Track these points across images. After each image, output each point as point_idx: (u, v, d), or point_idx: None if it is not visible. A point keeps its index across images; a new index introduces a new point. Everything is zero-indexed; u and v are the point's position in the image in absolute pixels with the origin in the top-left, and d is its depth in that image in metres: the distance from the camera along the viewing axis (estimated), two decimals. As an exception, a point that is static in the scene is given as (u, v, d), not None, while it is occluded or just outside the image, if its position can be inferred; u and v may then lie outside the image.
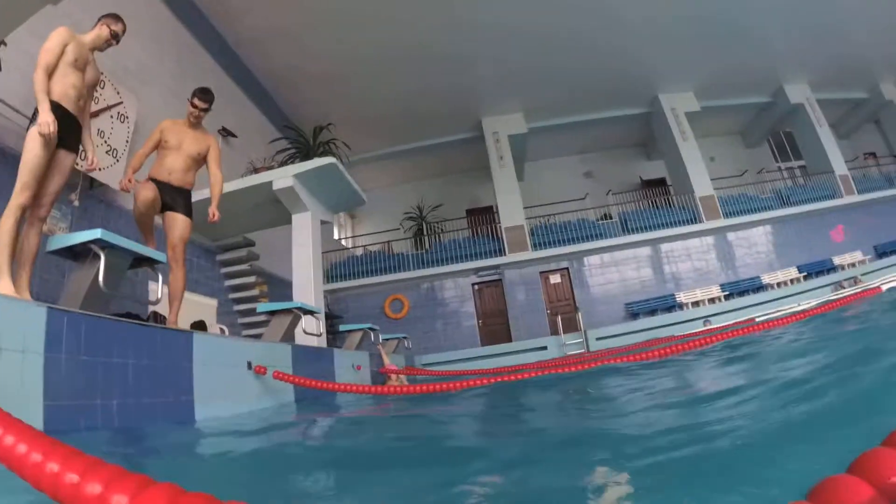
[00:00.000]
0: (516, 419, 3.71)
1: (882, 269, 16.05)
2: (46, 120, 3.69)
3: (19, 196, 3.63)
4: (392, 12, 13.38)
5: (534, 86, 17.49)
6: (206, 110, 5.34)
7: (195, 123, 5.56)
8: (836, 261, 17.46)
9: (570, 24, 14.89)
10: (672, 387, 4.02)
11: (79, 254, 3.75)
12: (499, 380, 5.62)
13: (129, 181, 5.00)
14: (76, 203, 7.59)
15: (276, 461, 2.51)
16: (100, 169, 5.57)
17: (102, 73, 7.92)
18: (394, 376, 9.60)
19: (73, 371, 3.00)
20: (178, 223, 5.29)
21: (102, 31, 4.42)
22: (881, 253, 17.92)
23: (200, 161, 5.62)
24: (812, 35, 17.17)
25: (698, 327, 13.76)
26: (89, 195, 7.99)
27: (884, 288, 8.11)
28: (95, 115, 7.81)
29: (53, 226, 7.14)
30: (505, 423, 3.34)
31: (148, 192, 5.01)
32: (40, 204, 3.85)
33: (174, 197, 5.36)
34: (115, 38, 4.53)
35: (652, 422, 2.28)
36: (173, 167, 5.32)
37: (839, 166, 19.34)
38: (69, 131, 4.06)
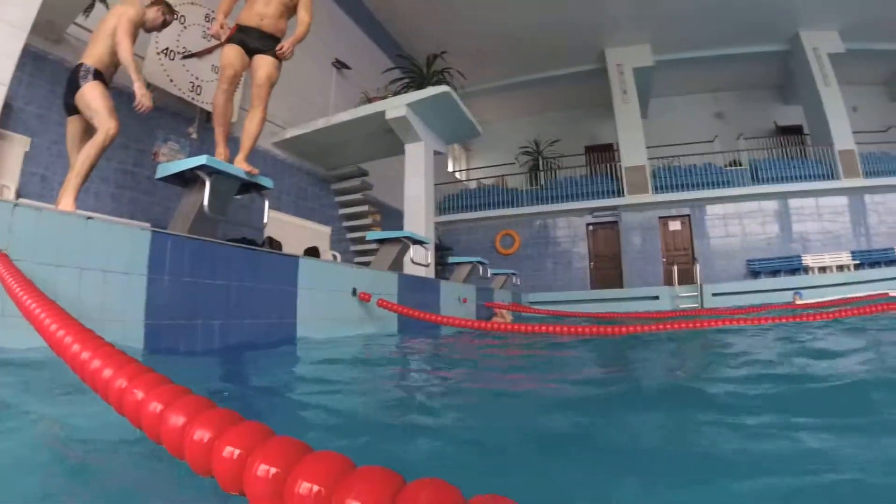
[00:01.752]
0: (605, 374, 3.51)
1: None
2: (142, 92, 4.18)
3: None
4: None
5: (664, 13, 16.16)
6: None
7: None
8: None
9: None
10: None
11: (188, 180, 3.86)
12: (605, 332, 5.38)
13: (221, 26, 4.92)
14: (194, 136, 7.91)
15: (365, 390, 2.49)
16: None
17: (212, 11, 8.16)
18: (500, 311, 9.59)
19: (175, 292, 3.11)
20: (265, 62, 5.01)
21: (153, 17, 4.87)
22: None
23: (292, 8, 5.28)
24: None
25: (787, 299, 12.74)
26: (206, 128, 8.26)
27: None
28: (209, 51, 8.00)
29: (172, 156, 7.47)
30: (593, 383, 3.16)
31: (231, 55, 4.95)
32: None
33: (264, 42, 5.07)
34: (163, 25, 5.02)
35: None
36: (265, 12, 5.06)
37: None
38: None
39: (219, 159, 3.79)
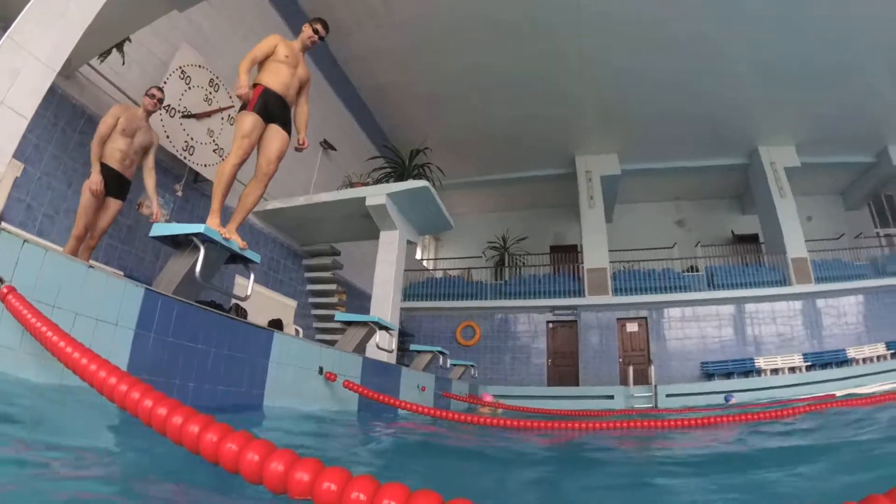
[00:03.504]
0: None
1: None
2: (94, 179, 5.18)
3: (75, 229, 5.22)
4: (497, 40, 13.64)
5: (632, 127, 17.28)
6: (322, 39, 5.35)
7: (309, 48, 5.34)
8: None
9: (675, 67, 14.68)
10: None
11: (179, 243, 4.00)
12: (559, 427, 5.53)
13: (246, 87, 4.71)
14: (179, 193, 8.11)
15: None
16: (147, 213, 6.13)
17: (217, 77, 8.55)
18: (486, 408, 9.66)
19: (158, 349, 3.21)
20: (282, 137, 4.96)
21: (146, 103, 5.67)
22: None
23: (301, 88, 5.33)
24: None
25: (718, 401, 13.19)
26: (193, 188, 8.49)
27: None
28: (207, 115, 8.37)
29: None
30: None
31: (253, 124, 4.71)
32: (91, 236, 5.36)
33: (285, 114, 5.04)
34: (155, 100, 5.72)
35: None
36: (290, 83, 5.02)
37: None
38: (115, 185, 5.43)
39: (214, 229, 3.93)
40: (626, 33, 13.58)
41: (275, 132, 4.89)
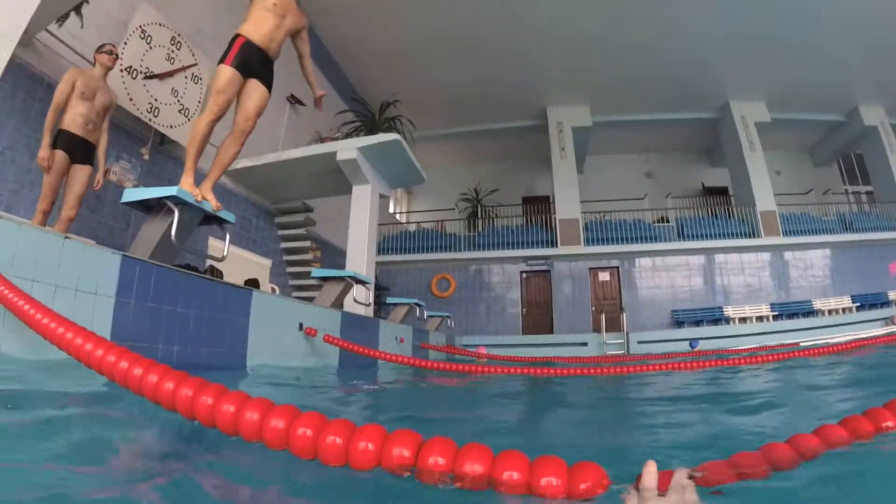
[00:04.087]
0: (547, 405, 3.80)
1: None
2: (41, 155, 5.00)
3: (40, 203, 5.10)
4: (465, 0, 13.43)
5: (602, 83, 17.21)
6: None
7: None
8: (892, 295, 16.75)
9: (643, 30, 14.65)
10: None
11: (152, 208, 3.97)
12: (534, 372, 5.72)
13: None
14: (146, 157, 7.94)
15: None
16: (102, 182, 5.93)
17: (178, 35, 8.32)
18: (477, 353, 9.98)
19: (139, 315, 3.23)
20: (262, 94, 4.72)
21: (103, 60, 5.49)
22: None
23: (294, 37, 5.17)
24: (893, 59, 16.41)
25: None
26: (159, 151, 8.33)
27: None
28: (170, 74, 8.13)
29: (123, 177, 7.50)
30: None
31: (229, 79, 4.45)
32: (68, 207, 5.24)
33: (266, 69, 4.77)
34: (112, 56, 5.57)
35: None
36: (275, 36, 4.71)
37: None
38: (81, 151, 5.29)
39: (187, 190, 3.90)
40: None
41: (254, 87, 4.64)
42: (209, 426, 1.37)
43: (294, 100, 12.38)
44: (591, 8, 13.87)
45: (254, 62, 4.59)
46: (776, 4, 14.01)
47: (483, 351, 10.84)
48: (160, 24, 8.00)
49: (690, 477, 0.98)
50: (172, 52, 8.19)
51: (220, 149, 4.70)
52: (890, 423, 1.21)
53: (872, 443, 1.19)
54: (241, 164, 9.84)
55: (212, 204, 4.18)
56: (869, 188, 21.10)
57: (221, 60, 4.48)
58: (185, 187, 3.99)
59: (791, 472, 1.12)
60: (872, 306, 16.39)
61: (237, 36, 4.56)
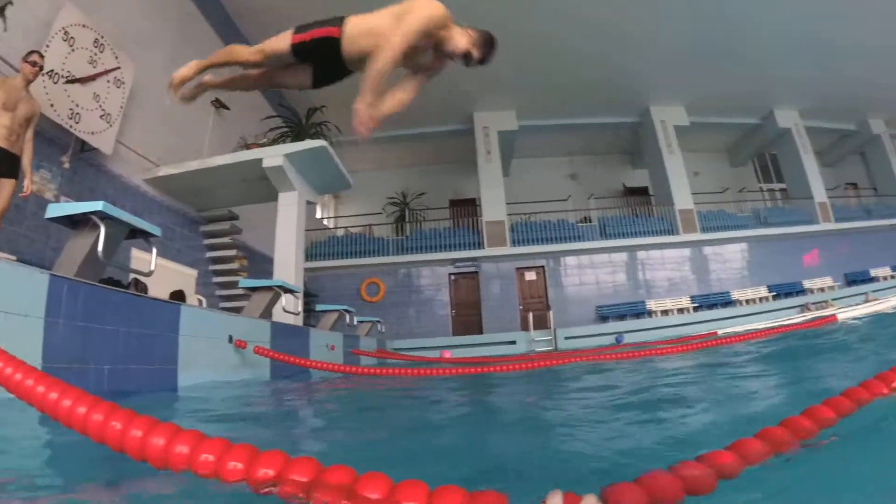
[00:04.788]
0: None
1: (850, 296, 16.62)
2: None
3: None
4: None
5: (528, 87, 17.68)
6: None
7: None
8: (806, 284, 18.03)
9: (569, 32, 15.17)
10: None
11: (77, 222, 3.89)
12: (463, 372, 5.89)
13: None
14: (66, 165, 7.66)
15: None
16: (35, 190, 5.71)
17: (102, 37, 8.07)
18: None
19: (70, 336, 3.19)
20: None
21: (26, 71, 5.28)
22: (851, 281, 18.58)
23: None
24: (807, 66, 17.62)
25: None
26: (79, 158, 8.04)
27: (839, 317, 8.34)
28: (92, 78, 7.89)
29: (44, 186, 7.22)
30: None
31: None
32: None
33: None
34: (37, 67, 5.35)
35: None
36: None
37: (819, 193, 19.93)
38: (5, 163, 5.12)
39: (114, 207, 3.85)
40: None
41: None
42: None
43: (219, 104, 12.14)
44: (515, 12, 14.20)
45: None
46: (696, 14, 14.81)
47: (448, 355, 10.97)
48: (84, 26, 7.74)
49: None
50: (95, 54, 7.94)
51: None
52: (808, 429, 1.19)
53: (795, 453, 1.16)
54: (163, 171, 9.63)
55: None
56: (783, 185, 22.60)
57: None
58: None
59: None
60: (788, 295, 17.67)
61: None
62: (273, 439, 2.37)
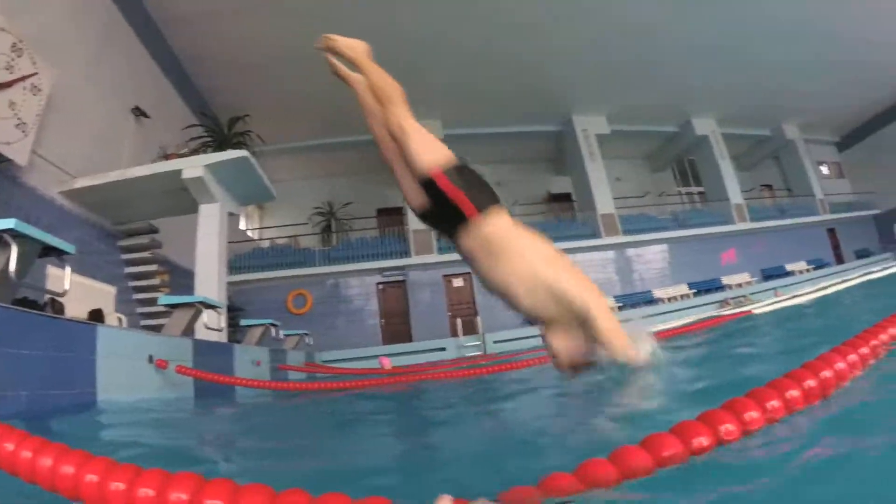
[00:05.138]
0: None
1: (766, 290, 17.67)
2: None
3: None
4: (319, 9, 13.45)
5: (453, 96, 17.96)
6: None
7: None
8: (725, 280, 19.12)
9: (494, 43, 15.57)
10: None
11: (-14, 242, 3.73)
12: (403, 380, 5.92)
13: None
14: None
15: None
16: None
17: (20, 41, 7.72)
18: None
19: (-18, 362, 3.05)
20: None
21: None
22: (767, 276, 19.79)
23: None
24: (722, 76, 18.81)
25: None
26: (-9, 173, 7.68)
27: (754, 311, 8.76)
28: (8, 85, 7.52)
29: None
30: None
31: None
32: None
33: None
34: None
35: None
36: None
37: (735, 195, 21.22)
38: None
39: (26, 224, 3.70)
40: (440, 4, 14.03)
41: None
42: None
43: (139, 112, 11.76)
44: (443, 23, 14.43)
45: None
46: (616, 26, 15.46)
47: (387, 363, 10.91)
48: (1, 29, 7.38)
49: None
50: (12, 59, 7.56)
51: None
52: (704, 442, 1.10)
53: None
54: (80, 183, 9.24)
55: None
56: (701, 189, 23.91)
57: None
58: None
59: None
60: (708, 291, 18.58)
61: None
62: (189, 463, 2.34)
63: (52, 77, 8.47)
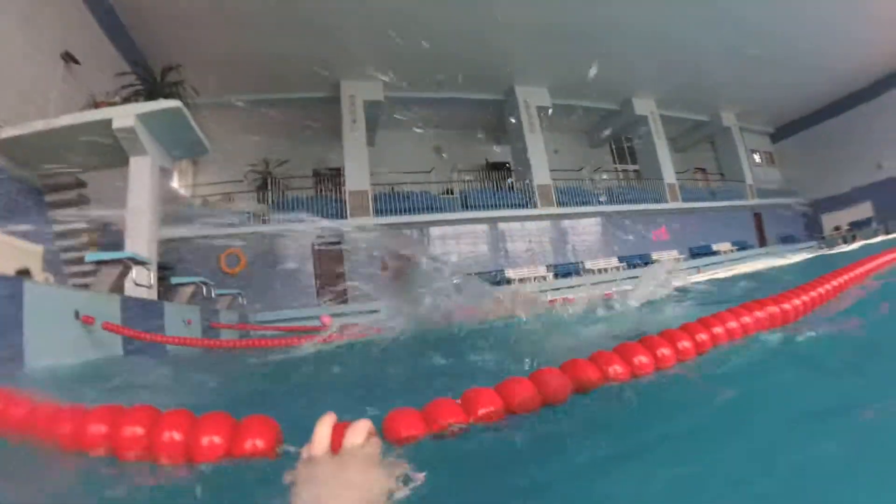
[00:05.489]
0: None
1: (692, 267, 18.41)
2: None
3: None
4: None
5: (396, 58, 17.71)
6: None
7: None
8: (654, 256, 19.75)
9: (439, 6, 15.44)
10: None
11: None
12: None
13: None
14: None
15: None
16: None
17: None
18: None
19: None
20: None
21: None
22: (695, 254, 20.68)
23: None
24: (663, 60, 19.34)
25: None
26: None
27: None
28: None
29: None
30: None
31: None
32: None
33: None
34: None
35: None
36: None
37: (669, 175, 22.02)
38: None
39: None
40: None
41: None
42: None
43: (69, 57, 11.16)
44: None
45: None
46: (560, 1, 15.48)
47: (327, 321, 10.88)
48: None
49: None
50: None
51: None
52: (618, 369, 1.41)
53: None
54: (4, 133, 8.76)
55: None
56: (636, 167, 24.69)
57: None
58: None
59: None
60: (637, 266, 19.14)
61: None
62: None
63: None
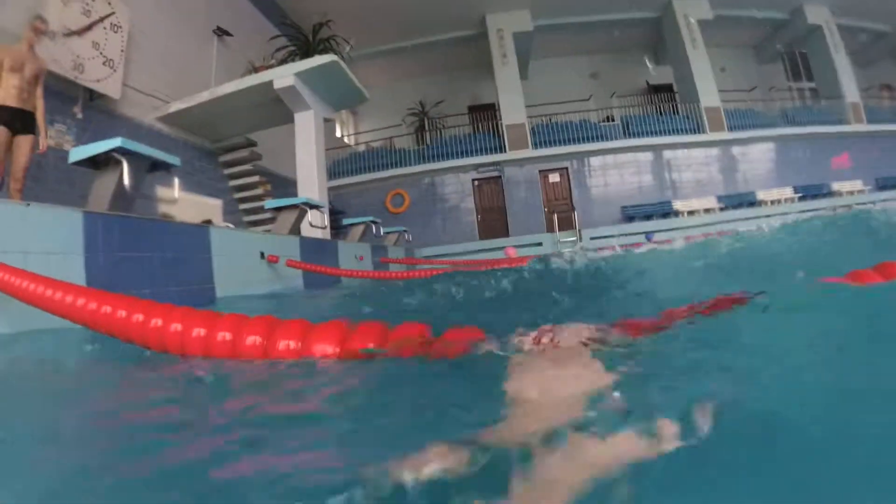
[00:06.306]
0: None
1: (880, 201, 15.74)
2: None
3: None
4: None
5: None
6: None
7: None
8: (835, 186, 17.64)
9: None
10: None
11: (100, 162, 4.11)
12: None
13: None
14: (79, 115, 7.83)
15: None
16: (47, 146, 5.73)
17: None
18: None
19: (109, 267, 3.46)
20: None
21: (28, 37, 5.46)
22: (882, 186, 18.05)
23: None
24: None
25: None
26: (90, 107, 8.17)
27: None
28: (88, 28, 7.90)
29: (61, 139, 7.44)
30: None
31: None
32: (14, 179, 5.25)
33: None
34: (33, 37, 5.51)
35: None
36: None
37: (851, 93, 19.13)
38: (20, 121, 5.26)
39: (132, 141, 4.04)
40: None
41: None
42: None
43: (221, 31, 12.00)
44: None
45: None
46: None
47: (512, 252, 11.28)
48: None
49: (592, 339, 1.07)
50: (88, 4, 7.92)
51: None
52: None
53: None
54: (174, 107, 9.65)
55: None
56: (812, 85, 21.73)
57: None
58: None
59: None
60: (815, 197, 17.28)
61: None
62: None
63: (129, 13, 8.74)
